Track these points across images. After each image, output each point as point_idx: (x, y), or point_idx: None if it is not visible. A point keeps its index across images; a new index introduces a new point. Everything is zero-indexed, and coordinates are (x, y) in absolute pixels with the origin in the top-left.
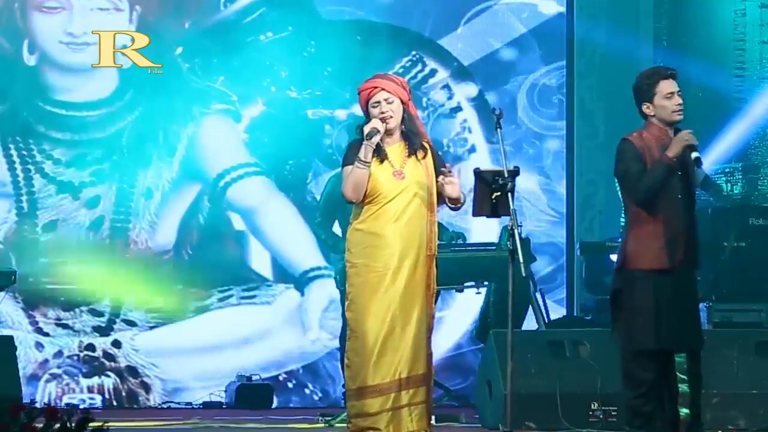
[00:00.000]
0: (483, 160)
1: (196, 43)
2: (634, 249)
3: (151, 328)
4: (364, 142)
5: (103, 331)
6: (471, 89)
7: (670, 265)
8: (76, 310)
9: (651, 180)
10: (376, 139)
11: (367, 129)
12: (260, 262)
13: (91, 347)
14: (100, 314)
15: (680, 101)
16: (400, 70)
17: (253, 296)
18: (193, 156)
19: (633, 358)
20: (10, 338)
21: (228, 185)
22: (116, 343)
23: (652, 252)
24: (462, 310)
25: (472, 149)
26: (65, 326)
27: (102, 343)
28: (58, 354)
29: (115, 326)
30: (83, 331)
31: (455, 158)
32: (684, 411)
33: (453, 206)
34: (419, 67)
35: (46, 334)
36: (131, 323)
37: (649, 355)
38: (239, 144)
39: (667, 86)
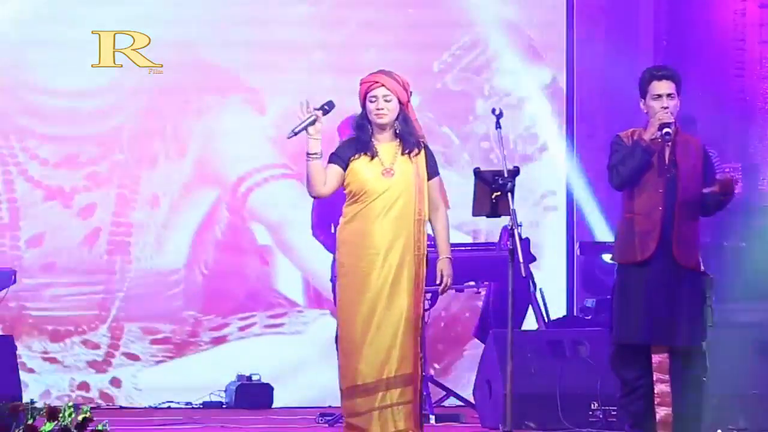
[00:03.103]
0: (556, 160)
1: (213, 18)
2: (616, 242)
3: (158, 362)
4: (307, 134)
5: (100, 366)
6: (544, 75)
7: (641, 258)
8: (67, 341)
9: (626, 162)
10: (315, 128)
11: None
12: (289, 284)
13: (85, 386)
14: (96, 346)
15: (666, 104)
16: (458, 52)
17: (281, 324)
18: (208, 156)
19: (614, 355)
20: (10, 338)
21: (250, 191)
22: (115, 382)
23: (626, 245)
24: (474, 317)
25: (543, 147)
26: (54, 360)
27: (98, 381)
28: (46, 394)
29: (113, 361)
30: (75, 366)
31: (522, 158)
32: (665, 410)
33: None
34: (479, 48)
35: (31, 371)
36: (133, 357)
37: (628, 352)
38: (264, 141)
39: (656, 87)
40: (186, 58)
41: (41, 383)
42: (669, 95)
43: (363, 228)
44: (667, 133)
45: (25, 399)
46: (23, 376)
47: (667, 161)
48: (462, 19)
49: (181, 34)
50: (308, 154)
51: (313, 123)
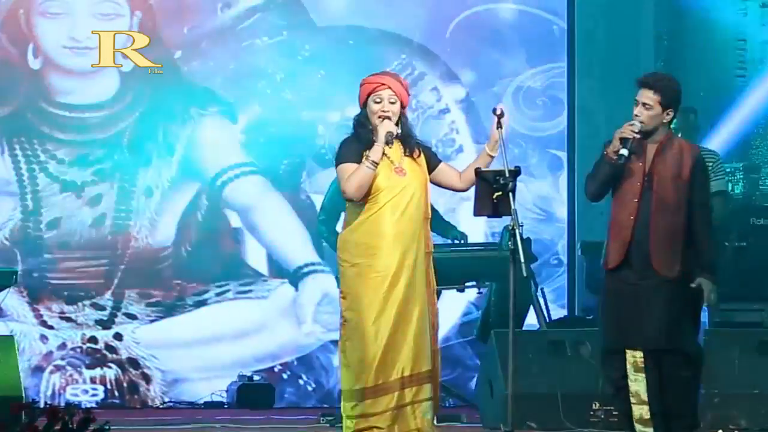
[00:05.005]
0: (470, 159)
1: (195, 47)
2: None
3: (151, 321)
4: (378, 144)
5: (105, 324)
6: (458, 92)
7: (612, 266)
8: (79, 303)
9: (592, 176)
10: (392, 143)
11: (383, 132)
12: (256, 258)
13: (93, 340)
14: (102, 308)
15: (637, 112)
16: None
17: (249, 291)
18: (191, 156)
19: (601, 356)
20: (12, 338)
21: (225, 184)
22: (118, 336)
23: (607, 251)
24: (449, 304)
25: (460, 149)
26: (69, 319)
27: (104, 335)
28: (62, 346)
29: (116, 319)
30: (86, 324)
31: (443, 158)
32: (640, 409)
33: (463, 188)
34: (408, 70)
35: (51, 327)
36: (132, 317)
37: (610, 353)
38: (236, 144)
39: (637, 94)
40: (173, 79)
41: (59, 337)
42: (644, 104)
43: (378, 229)
44: (621, 156)
45: (45, 350)
46: (45, 332)
47: (646, 169)
48: (393, 49)
49: (171, 58)
50: (374, 162)
51: (392, 137)
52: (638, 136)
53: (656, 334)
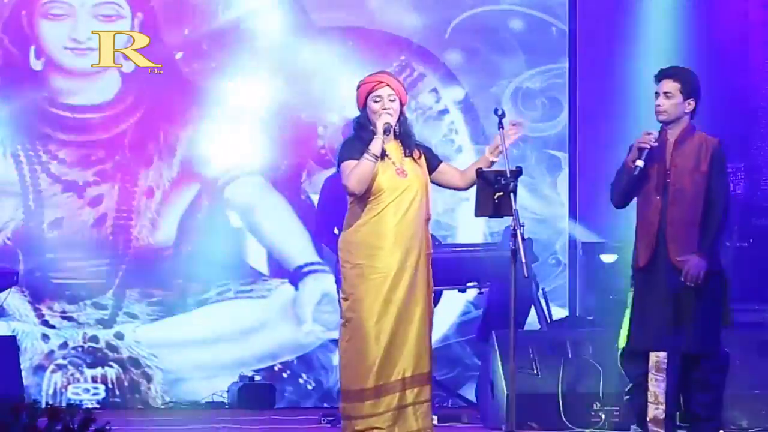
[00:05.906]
0: (469, 160)
1: (195, 49)
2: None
3: (152, 320)
4: (377, 136)
5: (106, 323)
6: (458, 93)
7: (641, 264)
8: (81, 303)
9: (615, 184)
10: (390, 133)
11: (381, 123)
12: (256, 258)
13: (94, 339)
14: (104, 307)
15: (659, 102)
16: None
17: (250, 290)
18: (192, 156)
19: (624, 353)
20: (13, 338)
21: (225, 184)
22: (119, 335)
23: (634, 250)
24: (448, 304)
25: (459, 150)
26: (70, 319)
27: (105, 335)
28: (64, 345)
29: (117, 319)
30: (87, 323)
31: (442, 159)
32: (656, 409)
33: (464, 187)
34: (408, 71)
35: (52, 327)
36: (133, 316)
37: (637, 353)
38: (236, 145)
39: (657, 86)
40: (174, 80)
41: (60, 336)
42: (665, 94)
43: (380, 230)
44: (637, 167)
45: (47, 350)
46: (46, 331)
47: (667, 165)
48: (393, 51)
49: (172, 59)
50: (374, 154)
51: (391, 128)
52: (656, 144)
53: (690, 339)
